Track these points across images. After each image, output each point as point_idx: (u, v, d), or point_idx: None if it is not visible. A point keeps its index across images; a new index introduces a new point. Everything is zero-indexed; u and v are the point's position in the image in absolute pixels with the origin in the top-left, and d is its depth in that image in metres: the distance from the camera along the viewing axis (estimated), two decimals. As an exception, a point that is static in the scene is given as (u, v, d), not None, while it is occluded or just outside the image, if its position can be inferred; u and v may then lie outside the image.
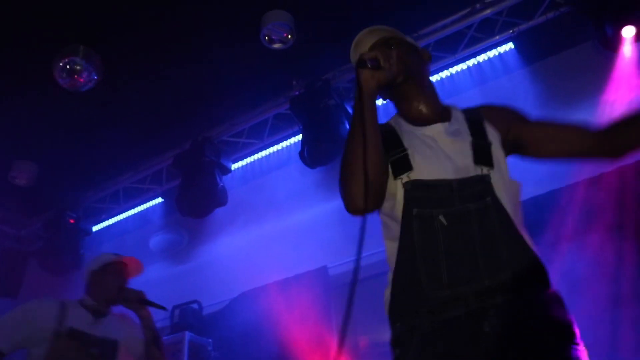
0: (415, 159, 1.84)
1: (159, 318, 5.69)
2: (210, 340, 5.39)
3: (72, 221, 6.31)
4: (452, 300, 1.65)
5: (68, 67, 4.61)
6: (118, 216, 6.54)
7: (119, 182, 6.25)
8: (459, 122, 1.94)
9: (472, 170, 1.79)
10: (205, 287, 5.67)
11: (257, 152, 5.83)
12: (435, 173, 1.80)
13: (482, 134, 1.89)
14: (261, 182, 5.79)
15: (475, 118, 1.95)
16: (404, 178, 1.82)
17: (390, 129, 1.96)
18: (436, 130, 1.90)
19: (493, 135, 1.89)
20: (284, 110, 5.34)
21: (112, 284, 3.12)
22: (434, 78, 5.10)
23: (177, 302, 5.51)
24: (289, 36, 4.54)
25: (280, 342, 4.94)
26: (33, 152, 5.72)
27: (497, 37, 4.77)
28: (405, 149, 1.87)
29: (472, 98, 5.09)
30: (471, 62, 5.00)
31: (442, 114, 1.97)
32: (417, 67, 2.00)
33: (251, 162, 5.89)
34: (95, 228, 6.60)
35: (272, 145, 5.75)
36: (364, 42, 2.03)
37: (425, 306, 1.68)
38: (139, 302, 3.14)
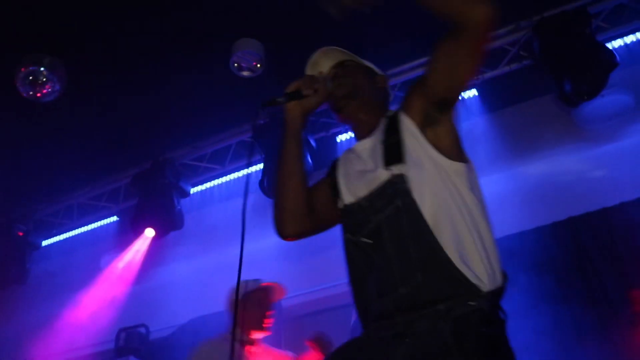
0: (341, 185, 1.91)
1: (103, 340, 5.58)
2: (155, 366, 5.25)
3: (20, 234, 6.12)
4: (380, 318, 1.65)
5: (31, 76, 4.52)
6: (70, 232, 6.38)
7: (74, 197, 6.11)
8: (381, 129, 1.89)
9: (384, 175, 1.73)
10: (154, 311, 5.55)
11: (218, 178, 5.79)
12: (354, 194, 1.83)
13: (394, 131, 1.81)
14: (219, 208, 5.74)
15: (393, 116, 1.88)
16: (339, 205, 1.91)
17: (339, 160, 2.04)
18: (361, 146, 1.93)
19: (407, 126, 1.79)
20: (247, 137, 5.34)
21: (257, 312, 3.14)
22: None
23: (124, 325, 5.36)
24: (258, 65, 4.56)
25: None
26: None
27: (462, 83, 4.87)
28: (335, 176, 1.96)
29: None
30: (435, 105, 5.08)
31: (376, 126, 1.93)
32: (365, 89, 2.00)
33: (210, 187, 5.84)
34: (44, 242, 6.41)
35: (233, 172, 5.72)
36: (321, 63, 2.09)
37: (364, 321, 1.75)
38: None
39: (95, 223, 6.29)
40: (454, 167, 1.73)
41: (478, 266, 1.59)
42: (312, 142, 5.01)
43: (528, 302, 3.97)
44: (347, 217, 1.84)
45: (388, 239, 1.67)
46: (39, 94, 4.63)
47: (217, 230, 5.61)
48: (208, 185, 5.84)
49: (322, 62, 2.08)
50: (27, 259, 6.18)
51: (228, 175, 5.75)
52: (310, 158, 4.89)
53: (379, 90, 2.07)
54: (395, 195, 1.68)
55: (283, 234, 1.94)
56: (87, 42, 4.51)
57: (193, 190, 5.76)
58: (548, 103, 4.94)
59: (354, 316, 4.69)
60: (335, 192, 1.94)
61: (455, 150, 1.78)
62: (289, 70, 4.66)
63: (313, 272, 5.18)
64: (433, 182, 1.69)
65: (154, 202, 5.38)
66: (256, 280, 3.24)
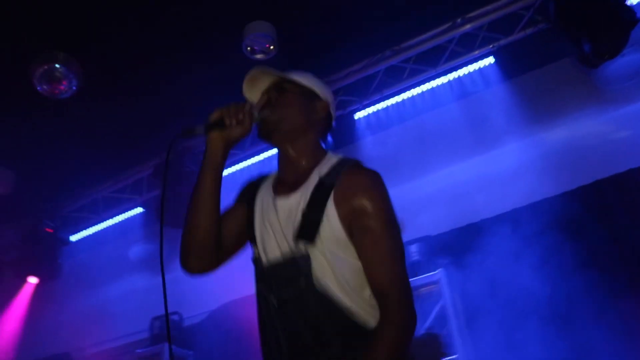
0: (256, 232, 1.84)
1: (138, 329, 5.68)
2: (191, 352, 5.34)
3: (49, 230, 6.22)
4: None
5: (48, 74, 4.56)
6: (97, 226, 6.46)
7: (98, 191, 6.18)
8: (307, 190, 1.77)
9: (292, 249, 1.70)
10: (186, 298, 5.61)
11: (239, 162, 5.81)
12: (265, 253, 1.79)
13: (319, 206, 1.71)
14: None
15: (326, 184, 1.75)
16: (255, 251, 1.86)
17: (260, 189, 1.93)
18: (283, 203, 1.80)
19: (331, 213, 1.70)
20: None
21: None
22: (415, 91, 5.15)
23: (157, 314, 5.45)
24: (271, 47, 4.54)
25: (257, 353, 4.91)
26: (10, 160, 5.63)
27: (478, 52, 4.82)
28: (252, 215, 1.87)
29: (453, 111, 5.15)
30: (452, 75, 5.04)
31: (303, 179, 1.81)
32: (298, 123, 1.85)
33: (232, 173, 5.86)
34: (73, 238, 6.51)
35: (253, 156, 5.74)
36: (258, 82, 1.93)
37: None
38: None
39: (121, 215, 6.36)
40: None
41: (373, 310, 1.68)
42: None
43: (560, 267, 3.97)
44: (258, 269, 1.82)
45: (297, 316, 1.68)
46: (56, 91, 4.66)
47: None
48: (230, 170, 5.86)
49: (259, 82, 1.93)
50: (58, 255, 6.29)
51: (249, 160, 5.77)
52: (329, 136, 4.88)
53: (317, 121, 1.90)
54: (299, 276, 1.68)
55: (187, 268, 1.87)
56: (101, 38, 4.52)
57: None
58: (567, 66, 4.86)
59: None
60: (249, 228, 1.88)
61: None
62: (302, 48, 4.71)
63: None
64: (341, 266, 1.69)
65: (177, 190, 5.42)
66: None
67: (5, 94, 4.83)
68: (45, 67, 4.53)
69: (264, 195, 1.88)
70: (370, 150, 5.46)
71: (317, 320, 1.66)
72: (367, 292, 1.69)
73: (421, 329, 4.38)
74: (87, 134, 5.33)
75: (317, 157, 1.85)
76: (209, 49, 4.65)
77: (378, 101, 5.23)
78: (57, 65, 4.53)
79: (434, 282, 4.40)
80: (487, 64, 4.90)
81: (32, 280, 6.32)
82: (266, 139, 1.87)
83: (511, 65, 4.91)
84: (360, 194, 1.70)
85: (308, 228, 1.69)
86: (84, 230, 6.51)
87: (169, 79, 4.89)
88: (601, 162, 4.41)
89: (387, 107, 5.28)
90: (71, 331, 5.97)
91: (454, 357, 4.12)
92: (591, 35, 4.00)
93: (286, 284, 1.70)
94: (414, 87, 5.15)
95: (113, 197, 6.20)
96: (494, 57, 4.86)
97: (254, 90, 1.94)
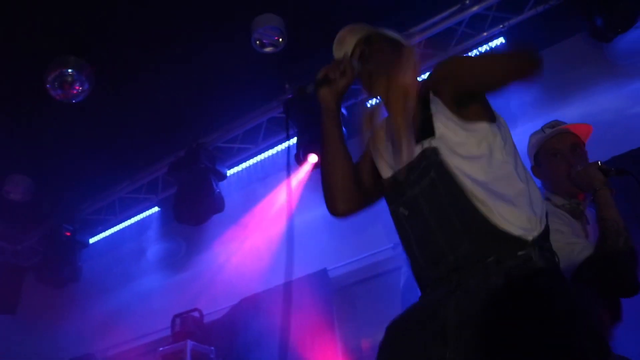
0: (381, 160, 1.96)
1: (160, 328, 5.71)
2: (212, 348, 5.35)
3: (68, 234, 6.28)
4: (434, 282, 1.71)
5: (60, 78, 4.59)
6: (115, 227, 6.51)
7: (114, 193, 6.22)
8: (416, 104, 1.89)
9: (417, 149, 1.78)
10: (205, 294, 5.65)
11: (252, 157, 5.81)
12: (391, 168, 1.88)
13: (424, 108, 1.82)
14: (257, 187, 5.77)
15: (423, 91, 1.87)
16: (384, 173, 1.94)
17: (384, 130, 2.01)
18: (398, 122, 1.90)
19: (436, 103, 1.80)
20: (277, 114, 5.33)
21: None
22: (426, 76, 5.10)
23: (178, 311, 5.47)
24: (280, 39, 4.53)
25: (283, 346, 4.91)
26: (26, 166, 5.69)
27: (488, 33, 4.77)
28: (377, 153, 1.98)
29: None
30: (463, 58, 4.99)
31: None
32: (392, 64, 1.93)
33: (247, 168, 5.87)
34: (92, 240, 6.56)
35: (267, 150, 5.73)
36: (346, 41, 2.06)
37: (420, 287, 1.80)
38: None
39: (138, 215, 6.40)
40: (485, 128, 1.76)
41: (520, 218, 1.65)
42: (343, 110, 4.98)
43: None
44: (388, 189, 1.91)
45: (428, 210, 1.73)
46: (69, 95, 4.70)
47: (257, 209, 5.65)
48: (244, 165, 5.86)
49: (348, 40, 2.07)
50: (78, 258, 6.35)
51: (263, 154, 5.77)
52: (343, 126, 4.87)
53: (408, 60, 1.99)
54: (429, 168, 1.73)
55: (335, 212, 2.00)
56: (110, 39, 4.55)
57: (229, 172, 5.79)
58: (579, 43, 4.79)
59: (402, 279, 4.70)
60: (379, 166, 1.98)
61: (485, 114, 1.80)
62: (311, 42, 4.70)
63: (358, 241, 5.19)
64: (465, 149, 1.73)
65: (193, 188, 5.44)
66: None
67: (19, 100, 4.88)
68: (57, 72, 4.56)
69: (380, 131, 2.00)
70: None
71: (446, 214, 1.69)
72: (499, 184, 1.69)
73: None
74: (101, 136, 5.37)
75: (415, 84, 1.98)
76: (216, 44, 4.64)
77: (390, 88, 5.18)
78: (69, 70, 4.57)
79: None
80: (498, 44, 4.84)
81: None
82: (370, 87, 2.00)
83: (523, 44, 4.84)
84: (438, 68, 1.84)
85: (424, 125, 1.77)
86: (103, 233, 6.56)
87: (176, 76, 4.90)
88: (617, 138, 4.34)
89: (400, 93, 5.23)
90: (93, 332, 6.02)
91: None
92: (603, 8, 3.94)
93: (417, 181, 1.76)
94: (425, 72, 5.09)
95: (130, 198, 6.24)
96: (505, 37, 4.80)
97: (342, 50, 2.06)
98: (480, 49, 4.91)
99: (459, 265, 1.64)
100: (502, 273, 1.57)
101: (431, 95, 1.83)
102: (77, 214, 6.39)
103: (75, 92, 4.70)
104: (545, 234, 1.69)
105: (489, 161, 1.72)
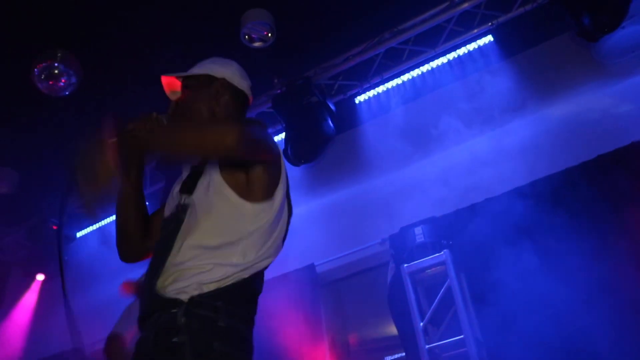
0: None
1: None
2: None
3: (55, 228, 6.25)
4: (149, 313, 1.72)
5: (47, 71, 4.56)
6: (102, 221, 6.48)
7: (101, 187, 6.19)
8: None
9: (176, 201, 1.83)
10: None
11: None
12: (167, 212, 1.89)
13: (204, 162, 1.83)
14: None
15: None
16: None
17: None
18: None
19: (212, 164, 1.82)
20: (265, 109, 5.33)
21: None
22: (415, 72, 5.13)
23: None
24: (269, 34, 4.52)
25: (270, 341, 4.93)
26: (14, 160, 5.65)
27: (476, 30, 4.79)
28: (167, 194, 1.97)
29: (454, 91, 5.14)
30: (451, 55, 5.02)
31: None
32: (201, 110, 1.93)
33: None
34: (79, 234, 6.53)
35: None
36: (174, 85, 2.04)
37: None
38: None
39: (126, 209, 6.37)
40: (239, 207, 1.74)
41: (187, 283, 1.66)
42: (332, 106, 4.99)
43: (565, 244, 3.95)
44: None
45: (160, 256, 1.76)
46: (56, 88, 4.67)
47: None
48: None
49: (175, 85, 2.05)
50: (64, 252, 6.32)
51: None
52: (331, 122, 4.88)
53: (221, 102, 1.96)
54: (174, 220, 1.78)
55: (124, 260, 2.00)
56: (97, 32, 4.51)
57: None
58: (566, 42, 4.84)
59: (389, 275, 4.73)
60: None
61: (250, 190, 1.76)
62: (300, 37, 4.70)
63: (346, 237, 5.21)
64: (212, 215, 1.74)
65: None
66: None
67: (6, 94, 4.84)
68: (44, 64, 4.54)
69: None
70: (373, 134, 5.45)
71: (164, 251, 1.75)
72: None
73: (428, 310, 4.39)
74: (89, 130, 5.33)
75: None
76: (205, 38, 4.63)
77: (378, 84, 5.21)
78: (55, 63, 4.54)
79: (439, 263, 4.40)
80: (486, 42, 4.87)
81: (40, 277, 6.36)
82: None
83: (510, 42, 4.88)
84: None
85: (191, 180, 1.82)
86: (90, 227, 6.53)
87: (166, 72, 4.87)
88: (604, 136, 4.39)
89: (388, 89, 5.26)
90: (81, 326, 5.99)
91: (460, 337, 4.13)
92: (590, 8, 3.97)
93: (163, 229, 1.81)
94: (413, 69, 5.13)
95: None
96: (493, 35, 4.83)
97: (175, 95, 2.03)
98: (468, 46, 4.94)
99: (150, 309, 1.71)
100: (153, 330, 1.65)
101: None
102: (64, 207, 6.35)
103: (62, 85, 4.67)
104: (204, 299, 1.70)
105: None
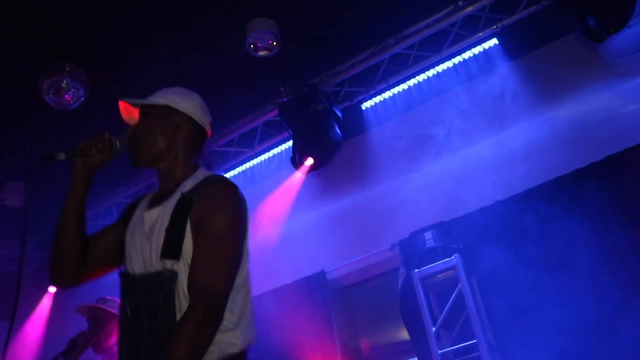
0: (127, 247, 1.91)
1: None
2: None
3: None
4: None
5: (55, 85, 4.59)
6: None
7: (111, 198, 6.22)
8: (168, 206, 1.86)
9: (156, 263, 1.78)
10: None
11: (248, 161, 5.82)
12: (130, 266, 1.87)
13: (181, 222, 1.80)
14: (254, 191, 5.78)
15: (187, 200, 1.84)
16: (123, 265, 1.93)
17: (139, 205, 2.01)
18: (149, 215, 1.89)
19: (192, 223, 1.79)
20: (272, 117, 5.34)
21: None
22: (420, 77, 5.13)
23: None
24: (274, 43, 4.53)
25: (282, 348, 4.93)
26: (23, 173, 5.67)
27: (481, 34, 4.79)
28: (124, 236, 1.94)
29: (459, 95, 5.13)
30: (457, 59, 5.02)
31: (169, 194, 1.90)
32: (157, 141, 1.95)
33: (243, 171, 5.88)
34: (89, 245, 6.55)
35: (263, 153, 5.75)
36: (132, 111, 2.05)
37: None
38: None
39: (135, 220, 6.39)
40: None
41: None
42: (338, 113, 5.00)
43: (576, 245, 3.93)
44: (122, 282, 1.90)
45: (145, 325, 1.75)
46: (64, 102, 4.69)
47: (254, 213, 5.66)
48: (240, 169, 5.87)
49: (133, 111, 2.05)
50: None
51: (258, 157, 5.78)
52: (338, 128, 4.89)
53: (180, 137, 1.98)
54: (160, 290, 1.75)
55: (54, 283, 1.99)
56: (103, 45, 4.54)
57: (226, 175, 5.80)
58: (572, 42, 4.83)
59: (400, 280, 4.72)
60: (122, 244, 1.96)
61: None
62: (305, 45, 4.71)
63: (356, 243, 5.21)
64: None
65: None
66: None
67: (15, 107, 4.87)
68: (53, 79, 4.56)
69: (139, 210, 1.98)
70: (380, 139, 5.46)
71: (158, 338, 1.71)
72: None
73: (440, 315, 4.38)
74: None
75: (186, 173, 1.95)
76: (211, 49, 4.65)
77: (384, 90, 5.22)
78: (63, 77, 4.56)
79: (450, 267, 4.39)
80: (491, 45, 4.87)
81: (52, 289, 6.38)
82: (134, 165, 2.01)
83: (515, 45, 4.88)
84: (206, 202, 1.80)
85: (172, 245, 1.77)
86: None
87: (172, 82, 4.87)
88: (613, 136, 4.37)
89: (394, 95, 5.27)
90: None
91: (473, 341, 4.12)
92: (595, 8, 3.95)
93: (146, 296, 1.76)
94: (419, 74, 5.14)
95: (126, 202, 6.22)
96: (498, 38, 4.83)
97: (131, 119, 2.07)
98: (473, 50, 4.94)
99: None
100: None
101: (190, 217, 1.79)
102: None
103: (69, 99, 4.69)
104: None
105: None
